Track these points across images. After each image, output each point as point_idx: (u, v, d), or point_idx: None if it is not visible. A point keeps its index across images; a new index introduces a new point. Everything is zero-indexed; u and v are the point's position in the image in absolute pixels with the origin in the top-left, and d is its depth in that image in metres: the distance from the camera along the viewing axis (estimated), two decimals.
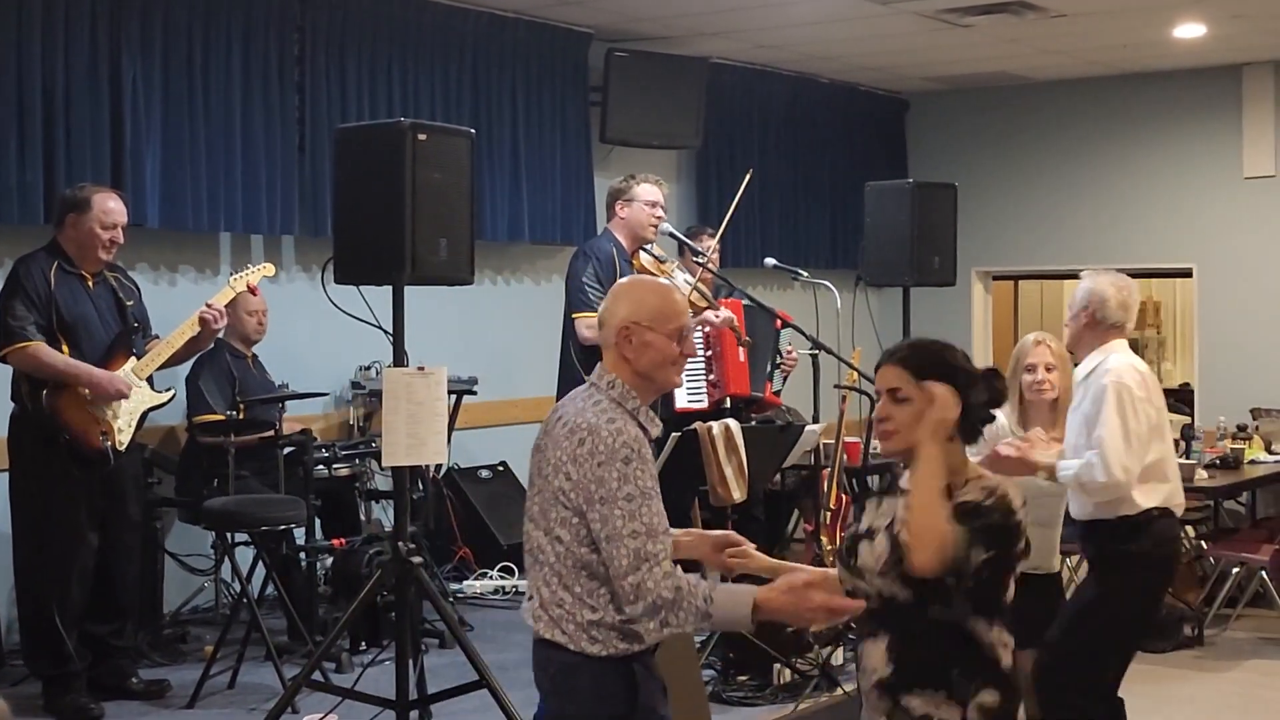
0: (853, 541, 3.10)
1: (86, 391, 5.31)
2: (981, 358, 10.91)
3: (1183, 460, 7.53)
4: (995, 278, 11.10)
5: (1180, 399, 9.81)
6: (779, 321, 6.81)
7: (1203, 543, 7.98)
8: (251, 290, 5.95)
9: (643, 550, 2.99)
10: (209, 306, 5.58)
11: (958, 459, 3.05)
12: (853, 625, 5.80)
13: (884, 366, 3.16)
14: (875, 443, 7.87)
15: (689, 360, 7.07)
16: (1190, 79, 9.81)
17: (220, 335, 6.19)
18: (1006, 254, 10.66)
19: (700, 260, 6.77)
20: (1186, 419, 8.86)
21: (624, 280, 3.48)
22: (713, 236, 7.42)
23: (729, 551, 3.40)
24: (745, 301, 6.89)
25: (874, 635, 3.05)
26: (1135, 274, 11.84)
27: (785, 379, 7.38)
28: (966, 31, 8.41)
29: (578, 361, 6.09)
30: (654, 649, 3.20)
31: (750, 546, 3.42)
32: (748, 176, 6.97)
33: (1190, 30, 8.55)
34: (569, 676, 3.14)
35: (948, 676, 2.96)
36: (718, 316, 6.46)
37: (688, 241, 6.94)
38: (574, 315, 6.09)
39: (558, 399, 6.11)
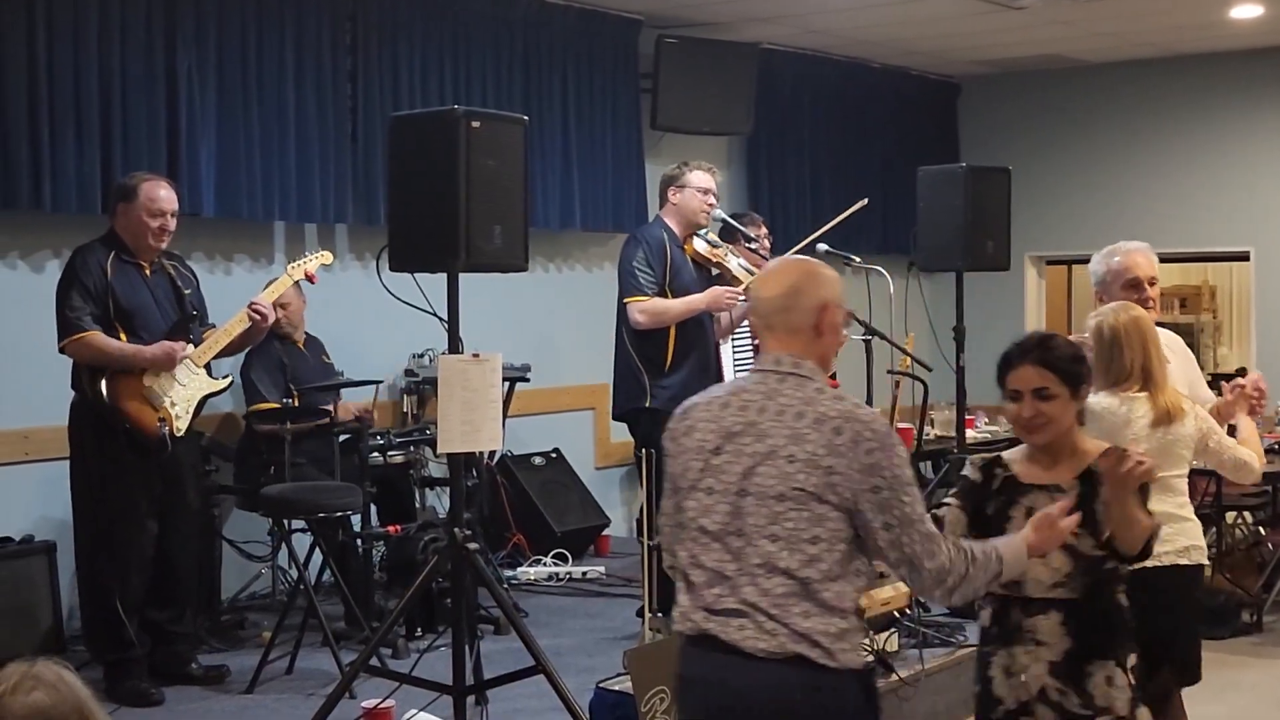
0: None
1: (145, 379, 5.35)
2: None
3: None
4: (1049, 262, 11.03)
5: None
6: None
7: (1260, 529, 7.92)
8: (310, 278, 5.96)
9: (929, 532, 2.92)
10: (255, 304, 5.60)
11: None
12: (906, 611, 5.82)
13: (1022, 367, 3.48)
14: (929, 429, 7.86)
15: (738, 348, 7.07)
16: (1247, 60, 9.70)
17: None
18: (1060, 238, 10.58)
19: (752, 246, 6.76)
20: None
21: (799, 259, 3.22)
22: (763, 224, 7.41)
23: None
24: None
25: (1044, 613, 3.44)
26: (1191, 258, 11.78)
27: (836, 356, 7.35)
28: (1019, 14, 8.34)
29: (631, 346, 6.09)
30: None
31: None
32: (860, 204, 6.94)
33: (1247, 11, 8.46)
34: (833, 694, 2.88)
35: (1116, 646, 3.45)
36: None
37: (740, 228, 6.92)
38: (625, 300, 6.10)
39: (614, 385, 6.21)
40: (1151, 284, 4.95)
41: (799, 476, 2.87)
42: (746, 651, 2.87)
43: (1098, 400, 4.15)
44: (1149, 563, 3.64)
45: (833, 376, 7.54)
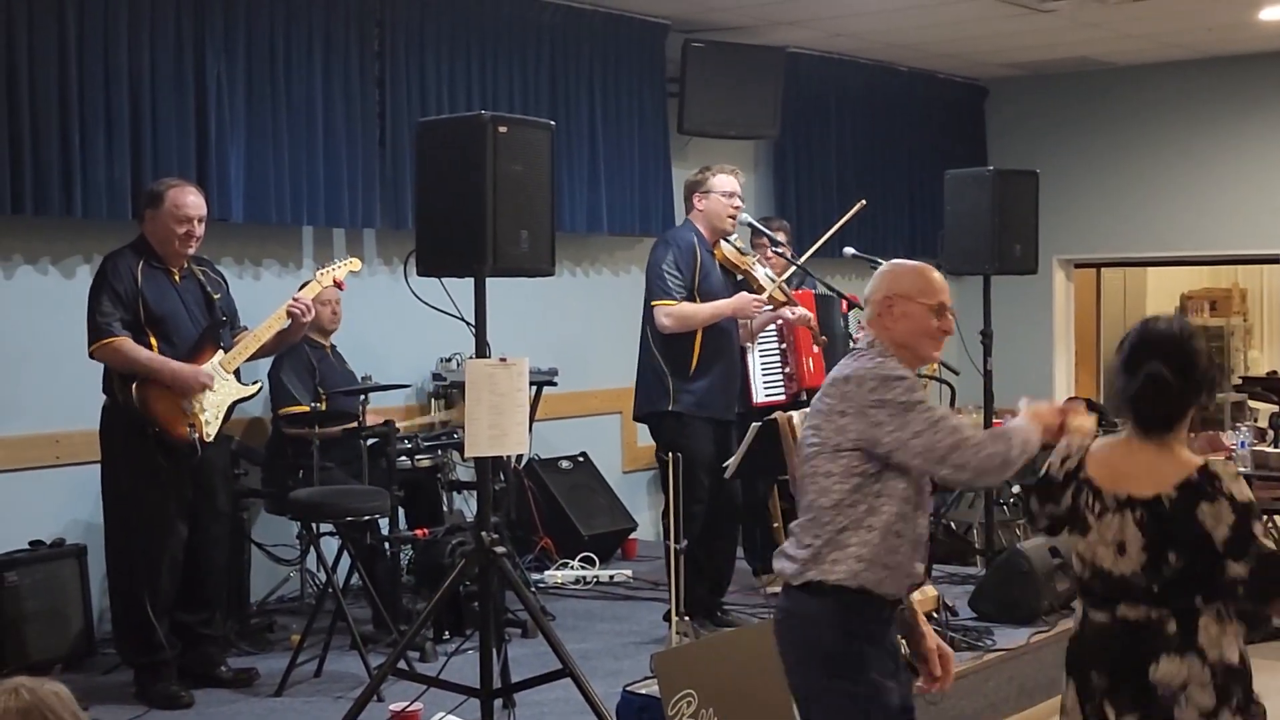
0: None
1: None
2: (1063, 346, 10.82)
3: (1270, 449, 7.43)
4: (1077, 265, 10.99)
5: (1268, 387, 9.66)
6: (845, 304, 6.79)
7: None
8: (338, 285, 5.99)
9: (938, 423, 3.35)
10: (296, 300, 5.63)
11: None
12: (933, 615, 5.80)
13: None
14: None
15: (764, 355, 7.09)
16: (1277, 62, 9.66)
17: None
18: (1088, 241, 10.55)
19: (779, 250, 6.76)
20: (1275, 407, 8.73)
21: (888, 263, 3.71)
22: (784, 229, 7.41)
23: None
24: (816, 291, 6.87)
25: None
26: (1220, 261, 11.72)
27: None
28: (1047, 16, 8.32)
29: (656, 349, 6.10)
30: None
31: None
32: (858, 206, 6.94)
33: (1277, 13, 8.42)
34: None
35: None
36: (794, 313, 6.44)
37: (766, 231, 6.94)
38: (653, 303, 6.10)
39: (637, 388, 6.22)
40: None
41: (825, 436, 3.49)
42: None
43: None
44: None
45: None
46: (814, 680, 3.48)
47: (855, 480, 3.39)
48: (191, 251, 5.53)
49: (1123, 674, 3.20)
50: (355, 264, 6.04)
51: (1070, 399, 3.45)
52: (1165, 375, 3.19)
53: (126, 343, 5.32)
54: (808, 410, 5.49)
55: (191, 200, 5.46)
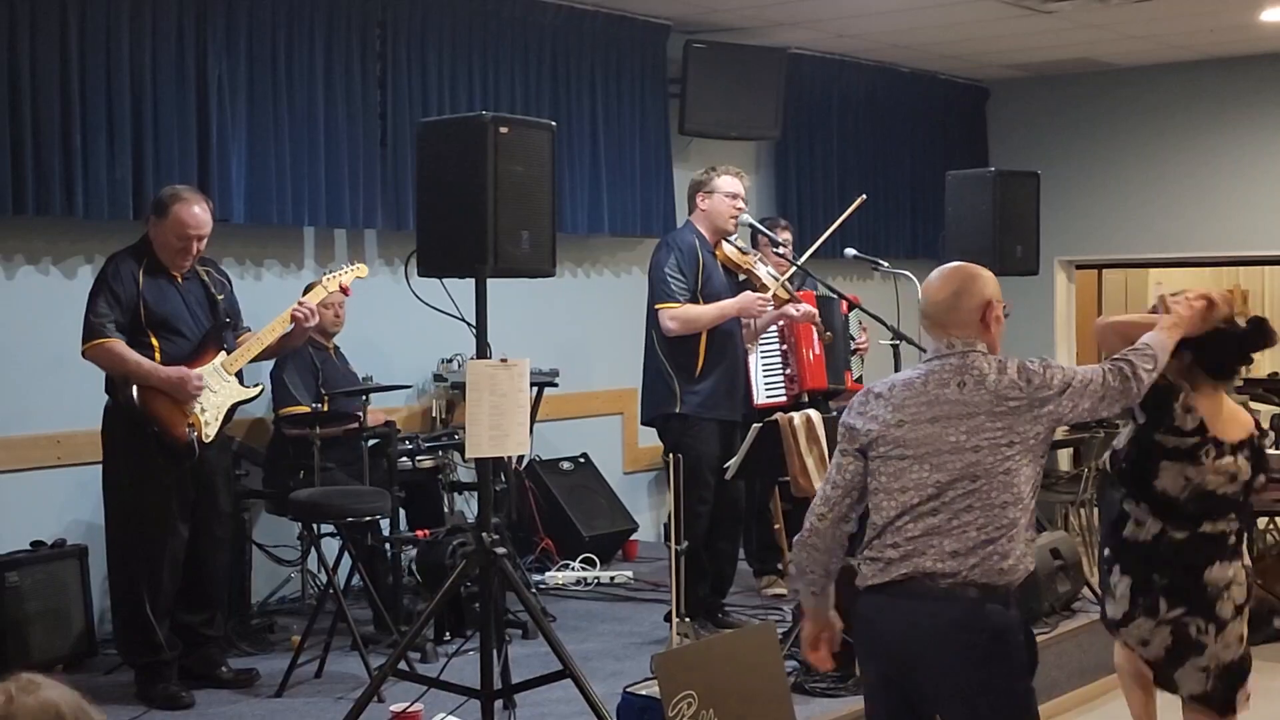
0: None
1: None
2: (1065, 348, 10.82)
3: (1272, 450, 7.42)
4: (1079, 267, 10.99)
5: (1269, 389, 9.65)
6: (845, 305, 6.79)
7: None
8: (344, 291, 5.97)
9: (1088, 372, 3.55)
10: (301, 304, 5.62)
11: None
12: None
13: None
14: None
15: (765, 356, 7.08)
16: (1278, 63, 9.65)
17: None
18: (1090, 243, 10.55)
19: (781, 252, 6.76)
20: (1276, 409, 8.73)
21: (963, 266, 3.65)
22: (787, 228, 7.41)
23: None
24: (817, 291, 6.88)
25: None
26: (1222, 262, 11.73)
27: (863, 361, 7.37)
28: (1049, 18, 8.32)
29: (662, 352, 6.10)
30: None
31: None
32: (859, 200, 6.93)
33: (1278, 14, 8.41)
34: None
35: None
36: (798, 310, 6.44)
37: (768, 233, 6.93)
38: (656, 306, 6.10)
39: (643, 390, 6.23)
40: None
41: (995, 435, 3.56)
42: None
43: None
44: None
45: (859, 380, 7.56)
46: (1004, 688, 3.38)
47: (1033, 481, 3.46)
48: (189, 264, 5.52)
49: (1184, 576, 3.97)
50: (362, 270, 6.03)
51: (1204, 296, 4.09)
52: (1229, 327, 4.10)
53: (118, 345, 5.31)
54: (788, 415, 5.51)
55: (195, 219, 5.42)
